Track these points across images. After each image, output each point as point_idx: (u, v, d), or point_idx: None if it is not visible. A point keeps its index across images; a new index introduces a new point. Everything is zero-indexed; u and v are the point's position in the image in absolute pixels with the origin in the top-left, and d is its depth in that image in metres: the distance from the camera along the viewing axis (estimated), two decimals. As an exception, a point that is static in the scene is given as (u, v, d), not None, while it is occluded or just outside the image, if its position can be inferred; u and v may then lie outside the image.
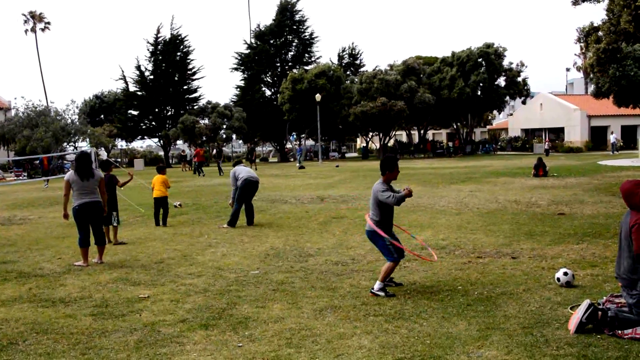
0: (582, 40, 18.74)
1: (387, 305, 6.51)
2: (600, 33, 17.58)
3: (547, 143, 50.52)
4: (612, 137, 48.24)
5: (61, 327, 6.14)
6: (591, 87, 43.83)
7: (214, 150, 40.71)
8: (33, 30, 66.69)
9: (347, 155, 71.04)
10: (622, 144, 52.96)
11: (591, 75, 38.52)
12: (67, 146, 50.69)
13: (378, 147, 60.64)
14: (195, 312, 6.51)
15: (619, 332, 5.22)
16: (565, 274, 6.99)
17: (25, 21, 66.60)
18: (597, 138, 54.21)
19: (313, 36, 65.36)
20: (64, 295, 7.42)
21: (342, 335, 5.60)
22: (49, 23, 67.66)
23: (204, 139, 57.30)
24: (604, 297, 6.16)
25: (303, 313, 6.36)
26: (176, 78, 62.10)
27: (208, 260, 9.43)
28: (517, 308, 6.21)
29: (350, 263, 8.83)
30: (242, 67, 64.34)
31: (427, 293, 6.97)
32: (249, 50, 64.11)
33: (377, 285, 7.05)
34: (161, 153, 66.93)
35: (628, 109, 41.59)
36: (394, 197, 6.94)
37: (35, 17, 66.59)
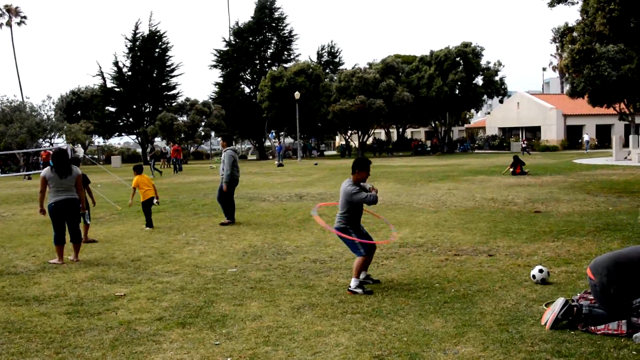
0: (557, 41, 19.00)
1: (365, 303, 6.53)
2: (575, 34, 17.79)
3: (523, 142, 51.03)
4: (586, 136, 48.89)
5: (35, 325, 6.07)
6: (567, 87, 44.38)
7: (151, 151, 38.59)
8: (9, 24, 65.72)
9: (325, 153, 71.07)
10: (596, 142, 53.73)
11: (567, 75, 39.04)
12: (43, 142, 50.06)
13: (357, 145, 60.74)
14: (172, 310, 6.47)
15: (592, 327, 5.30)
16: (541, 271, 7.07)
17: (1, 15, 65.64)
18: (573, 137, 54.93)
19: (292, 34, 65.46)
20: (38, 294, 7.33)
21: (319, 332, 5.61)
22: (25, 17, 66.78)
23: (182, 136, 56.93)
24: (578, 294, 6.24)
25: (281, 311, 6.35)
26: (154, 75, 61.63)
27: (185, 258, 9.38)
28: (493, 305, 6.27)
29: (328, 261, 8.84)
30: (221, 65, 64.11)
31: (404, 290, 7.00)
32: (227, 48, 63.89)
33: (353, 282, 7.08)
34: (139, 150, 66.38)
35: (602, 108, 42.18)
36: (371, 196, 7.03)
37: (11, 11, 65.62)
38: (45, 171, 9.25)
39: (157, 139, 65.63)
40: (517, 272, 7.65)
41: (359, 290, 6.98)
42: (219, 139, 14.35)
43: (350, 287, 7.08)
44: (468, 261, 8.45)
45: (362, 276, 7.23)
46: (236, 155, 13.46)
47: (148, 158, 41.02)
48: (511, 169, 24.24)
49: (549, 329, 5.38)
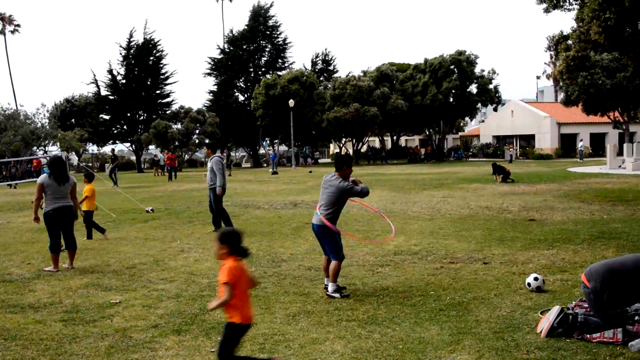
0: (552, 48, 19.09)
1: (360, 310, 6.54)
2: (569, 41, 17.89)
3: (511, 149, 51.15)
4: (580, 145, 49.11)
5: (30, 332, 6.05)
6: (561, 95, 44.55)
7: (114, 159, 35.71)
8: (2, 32, 65.69)
9: (320, 160, 71.11)
10: (590, 151, 53.91)
11: (561, 83, 39.14)
12: (37, 150, 49.92)
13: (351, 153, 60.82)
14: (168, 318, 6.46)
15: (588, 336, 5.31)
16: (536, 279, 7.09)
17: (-6, 23, 65.55)
18: (567, 145, 55.12)
19: (286, 42, 65.56)
20: (34, 301, 7.30)
21: (315, 340, 5.61)
22: (18, 25, 66.83)
23: (177, 144, 56.84)
24: (573, 302, 6.26)
25: (276, 318, 6.35)
26: (149, 82, 61.48)
27: (180, 265, 9.37)
28: (489, 313, 6.28)
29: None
30: (215, 72, 64.14)
31: (399, 298, 7.01)
32: (222, 56, 63.94)
33: (331, 287, 7.15)
34: (133, 158, 66.23)
35: (597, 116, 42.36)
36: (365, 188, 7.19)
37: (5, 20, 65.59)
38: (42, 178, 9.22)
39: (152, 147, 65.52)
40: (512, 280, 7.67)
41: (337, 295, 7.07)
42: (204, 148, 14.07)
43: (328, 291, 7.12)
44: (463, 269, 8.47)
45: (326, 282, 7.33)
46: (223, 162, 13.31)
47: (106, 166, 39.05)
48: (500, 176, 24.55)
49: (544, 336, 5.40)
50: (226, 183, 13.30)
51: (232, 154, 62.57)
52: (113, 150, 43.01)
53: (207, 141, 61.95)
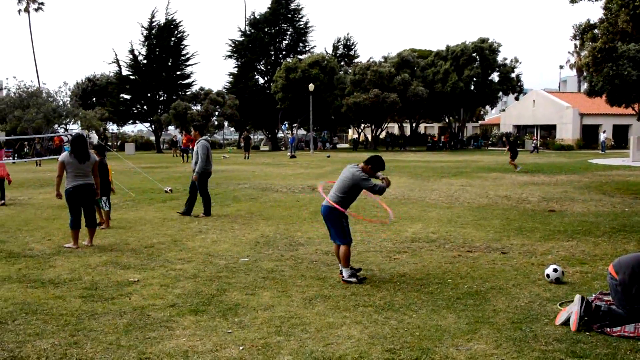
0: (577, 38, 18.72)
1: (377, 297, 6.52)
2: (596, 31, 17.56)
3: (534, 140, 50.65)
4: (602, 136, 48.45)
5: (50, 308, 6.12)
6: (584, 86, 43.98)
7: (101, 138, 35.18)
8: (26, 10, 65.98)
9: (338, 146, 70.98)
10: (613, 143, 53.19)
11: (585, 74, 38.57)
12: (59, 128, 50.37)
13: (369, 139, 60.62)
14: (185, 298, 6.50)
15: (608, 329, 5.25)
16: (555, 270, 7.02)
17: (19, 1, 65.92)
18: (589, 136, 54.38)
19: (308, 25, 65.26)
20: (54, 277, 7.39)
21: (331, 324, 5.61)
22: (42, 4, 66.92)
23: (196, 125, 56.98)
24: (593, 295, 6.20)
25: (293, 302, 6.36)
26: (169, 63, 61.67)
27: (198, 246, 9.42)
28: (507, 303, 6.24)
29: (341, 253, 8.82)
30: (236, 55, 64.09)
31: (416, 285, 6.98)
32: (243, 38, 63.85)
33: (345, 272, 7.13)
34: (152, 138, 66.62)
35: (620, 108, 41.71)
36: (378, 186, 7.09)
37: (29, -3, 65.87)
38: (63, 156, 9.29)
39: (171, 127, 65.78)
40: (530, 271, 7.61)
41: (353, 279, 7.06)
42: (192, 130, 13.59)
43: (343, 277, 7.12)
44: (481, 258, 8.42)
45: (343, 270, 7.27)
46: (209, 146, 12.92)
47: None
48: (510, 154, 25.40)
49: (575, 329, 5.30)
50: (211, 169, 12.89)
51: (252, 137, 62.50)
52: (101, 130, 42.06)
53: (226, 123, 62.26)
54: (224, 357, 4.82)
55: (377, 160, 7.30)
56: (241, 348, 5.02)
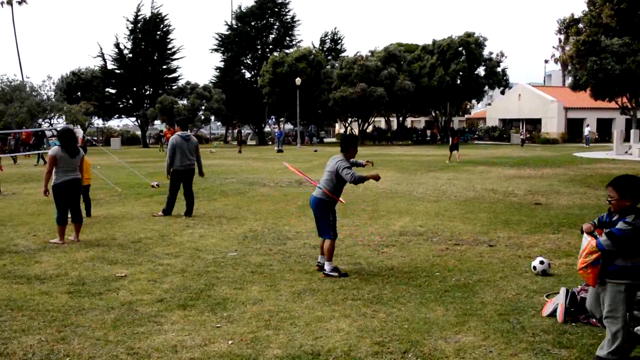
0: (562, 32, 18.85)
1: (365, 290, 6.54)
2: (580, 25, 17.68)
3: (521, 134, 50.90)
4: (587, 130, 48.78)
5: (37, 304, 6.07)
6: (569, 80, 44.16)
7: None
8: (9, 3, 65.13)
9: (325, 140, 70.96)
10: (597, 136, 53.60)
11: (569, 68, 38.74)
12: (43, 122, 49.91)
13: (357, 133, 60.65)
14: (173, 292, 6.48)
15: (594, 320, 5.30)
16: (542, 262, 7.08)
17: (1, -7, 65.05)
18: (574, 130, 54.78)
19: (295, 19, 65.04)
20: (40, 272, 7.33)
21: (320, 318, 5.62)
22: (25, -4, 66.14)
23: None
24: (579, 286, 6.24)
25: (281, 295, 6.36)
26: (155, 57, 61.21)
27: (186, 240, 9.38)
28: (494, 295, 6.28)
29: (329, 247, 8.83)
30: (222, 49, 63.79)
31: (405, 278, 7.00)
32: (229, 32, 63.56)
33: (327, 266, 7.18)
34: (138, 132, 66.23)
35: (604, 102, 41.97)
36: (353, 176, 7.06)
37: (12, -10, 65.02)
38: (54, 150, 9.17)
39: (157, 122, 65.41)
40: (517, 263, 7.66)
41: (335, 273, 7.08)
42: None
43: (325, 271, 7.15)
44: (468, 251, 8.46)
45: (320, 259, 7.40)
46: (180, 142, 11.60)
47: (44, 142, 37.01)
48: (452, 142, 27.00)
49: (561, 321, 5.36)
50: (183, 167, 11.74)
51: (243, 131, 62.23)
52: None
53: (213, 117, 61.95)
54: (213, 352, 4.81)
55: (350, 142, 7.37)
56: (230, 342, 5.01)
